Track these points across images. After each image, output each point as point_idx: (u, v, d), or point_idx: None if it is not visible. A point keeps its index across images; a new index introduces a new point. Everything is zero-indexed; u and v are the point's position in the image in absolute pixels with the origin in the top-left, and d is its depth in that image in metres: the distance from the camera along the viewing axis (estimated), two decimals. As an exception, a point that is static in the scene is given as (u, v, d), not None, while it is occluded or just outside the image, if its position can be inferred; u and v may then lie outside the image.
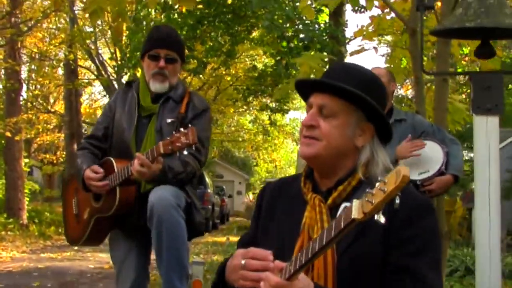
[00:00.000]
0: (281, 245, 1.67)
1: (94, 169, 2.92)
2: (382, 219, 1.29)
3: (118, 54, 21.74)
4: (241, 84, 20.67)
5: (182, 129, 2.61)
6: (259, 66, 20.24)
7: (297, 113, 41.40)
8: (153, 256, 3.01)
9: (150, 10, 15.72)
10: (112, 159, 2.95)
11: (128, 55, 17.37)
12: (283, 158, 38.71)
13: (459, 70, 9.83)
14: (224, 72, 21.04)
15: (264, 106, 22.03)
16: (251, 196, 38.01)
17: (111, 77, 23.05)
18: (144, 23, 16.12)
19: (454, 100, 4.73)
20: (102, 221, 2.99)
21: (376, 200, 1.27)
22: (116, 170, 2.87)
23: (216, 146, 31.91)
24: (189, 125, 2.66)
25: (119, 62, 20.66)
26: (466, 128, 10.18)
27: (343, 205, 1.53)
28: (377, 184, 1.29)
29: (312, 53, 12.64)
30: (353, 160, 1.67)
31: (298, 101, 34.86)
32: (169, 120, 2.93)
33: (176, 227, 2.74)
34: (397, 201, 1.28)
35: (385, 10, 5.00)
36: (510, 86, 21.13)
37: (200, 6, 14.60)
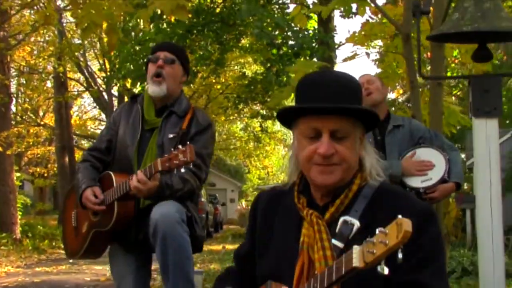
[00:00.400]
0: (279, 264, 1.64)
1: (95, 191, 2.90)
2: (385, 271, 1.28)
3: (107, 66, 21.74)
4: (231, 92, 20.70)
5: (180, 147, 2.59)
6: (249, 73, 20.26)
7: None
8: (155, 271, 3.00)
9: (138, 20, 15.75)
10: (111, 173, 2.94)
11: (117, 66, 17.37)
12: (275, 164, 38.72)
13: (449, 74, 9.92)
14: (214, 81, 21.06)
15: (255, 113, 22.06)
16: (244, 203, 37.97)
17: (100, 89, 23.04)
18: (133, 34, 16.15)
19: (448, 103, 4.76)
20: (100, 235, 2.97)
21: (378, 252, 1.26)
22: (115, 184, 2.86)
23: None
24: (188, 143, 2.64)
25: (109, 73, 20.66)
26: (458, 130, 10.23)
27: (341, 219, 1.55)
28: (377, 231, 1.28)
29: (302, 59, 12.70)
30: (354, 172, 1.64)
31: (288, 107, 34.90)
32: (170, 136, 2.91)
33: (181, 242, 2.73)
34: (400, 256, 1.27)
35: (378, 16, 5.03)
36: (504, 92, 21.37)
37: (189, 15, 14.64)
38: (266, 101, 18.88)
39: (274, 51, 14.71)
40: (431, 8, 4.36)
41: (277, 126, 36.46)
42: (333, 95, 1.57)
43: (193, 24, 14.98)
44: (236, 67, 22.69)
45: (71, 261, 10.25)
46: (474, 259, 8.64)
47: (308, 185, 1.69)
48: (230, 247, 13.41)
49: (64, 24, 18.55)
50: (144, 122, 3.02)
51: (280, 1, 16.23)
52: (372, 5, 4.41)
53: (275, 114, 20.56)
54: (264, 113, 20.85)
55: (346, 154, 1.58)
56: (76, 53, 19.26)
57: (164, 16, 14.43)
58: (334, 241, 1.55)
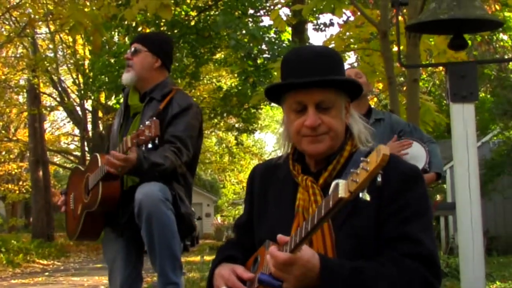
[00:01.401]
0: (276, 228, 1.70)
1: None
2: (367, 197, 1.37)
3: (81, 79, 21.64)
4: (207, 105, 20.76)
5: (147, 122, 2.64)
6: (224, 86, 20.37)
7: (262, 134, 41.68)
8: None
9: (113, 33, 15.75)
10: (97, 154, 2.99)
11: (91, 79, 17.30)
12: (250, 179, 38.67)
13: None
14: (189, 94, 21.12)
15: (231, 126, 22.14)
16: (219, 218, 37.83)
17: (74, 103, 22.89)
18: (107, 46, 16.14)
19: (424, 100, 4.92)
20: (92, 217, 2.99)
21: (360, 179, 1.35)
22: (100, 164, 2.90)
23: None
24: (154, 118, 2.67)
25: (82, 87, 20.55)
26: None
27: (334, 183, 1.58)
28: (360, 164, 1.37)
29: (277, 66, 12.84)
30: (342, 139, 1.73)
31: (263, 121, 35.13)
32: (147, 121, 2.90)
33: (166, 220, 2.76)
34: (379, 179, 1.36)
35: (357, 14, 5.18)
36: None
37: (164, 28, 14.70)
38: (241, 114, 19.03)
39: (250, 62, 14.84)
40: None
41: (252, 140, 36.66)
42: (315, 69, 1.66)
43: (168, 36, 15.04)
44: (212, 80, 22.78)
45: (47, 273, 10.13)
46: (450, 262, 8.83)
47: (302, 154, 1.78)
48: (208, 258, 13.37)
49: (36, 38, 18.43)
50: (129, 108, 3.12)
51: (255, 13, 16.42)
52: (348, 4, 4.56)
53: (250, 127, 20.78)
54: (240, 126, 20.97)
55: (332, 123, 1.68)
56: (50, 68, 19.13)
57: (140, 28, 14.52)
58: None
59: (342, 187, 1.37)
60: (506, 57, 18.01)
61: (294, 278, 1.51)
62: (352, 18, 6.34)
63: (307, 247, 1.55)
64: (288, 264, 1.50)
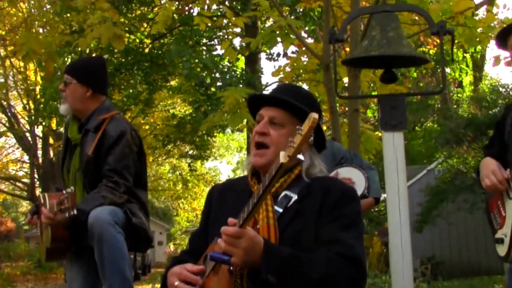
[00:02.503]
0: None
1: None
2: (301, 157, 1.62)
3: (31, 105, 21.33)
4: (160, 132, 20.77)
5: (64, 192, 2.75)
6: (178, 114, 20.47)
7: (216, 162, 41.69)
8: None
9: (66, 59, 15.70)
10: (45, 194, 3.06)
11: (42, 105, 17.12)
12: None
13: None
14: (142, 121, 21.08)
15: (184, 153, 22.18)
16: (172, 246, 37.42)
17: (24, 129, 22.49)
18: (59, 73, 16.05)
19: (365, 128, 5.22)
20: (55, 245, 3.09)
21: (296, 142, 1.60)
22: (48, 206, 2.97)
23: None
24: (71, 188, 2.77)
25: (33, 113, 20.27)
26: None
27: (283, 193, 1.93)
28: (297, 133, 1.62)
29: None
30: (292, 162, 1.97)
31: (217, 150, 35.24)
32: (89, 153, 3.07)
33: (115, 242, 2.91)
34: (311, 139, 1.62)
35: (302, 48, 5.46)
36: (417, 128, 22.68)
37: (117, 54, 14.79)
38: (195, 141, 19.14)
39: (202, 91, 15.05)
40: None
41: (206, 167, 36.63)
42: (283, 94, 2.02)
43: (122, 62, 15.11)
44: (165, 108, 22.83)
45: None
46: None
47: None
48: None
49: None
50: (69, 140, 3.24)
51: (209, 43, 16.69)
52: (294, 37, 4.84)
53: (203, 154, 20.87)
54: (193, 153, 21.04)
55: (277, 138, 1.97)
56: (-1, 93, 18.83)
57: (94, 55, 14.54)
58: (276, 207, 1.91)
59: (282, 155, 1.60)
60: (451, 88, 18.90)
61: (242, 251, 1.72)
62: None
63: (250, 228, 1.77)
64: (236, 237, 1.71)
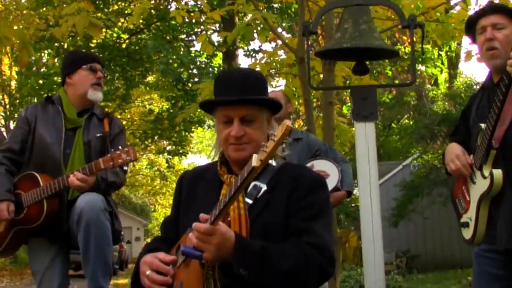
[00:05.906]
0: (200, 220, 1.91)
1: (10, 208, 3.07)
2: (273, 163, 1.70)
3: (7, 100, 21.08)
4: (137, 128, 20.69)
5: (121, 147, 2.94)
6: (155, 109, 20.40)
7: (196, 157, 41.60)
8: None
9: (42, 54, 15.54)
10: (35, 174, 3.10)
11: (18, 100, 16.94)
12: (181, 202, 38.37)
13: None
14: (119, 116, 20.98)
15: (162, 149, 22.11)
16: (149, 242, 37.26)
17: (-1, 125, 22.22)
18: (35, 68, 15.87)
19: (339, 121, 5.30)
20: (22, 233, 3.12)
21: (269, 148, 1.64)
22: (42, 184, 3.04)
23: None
24: (127, 144, 3.04)
25: (8, 108, 20.05)
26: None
27: (252, 184, 1.94)
28: (270, 138, 1.65)
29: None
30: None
31: (196, 145, 35.16)
32: (98, 135, 3.21)
33: (104, 228, 2.98)
34: (286, 152, 1.70)
35: (277, 41, 5.52)
36: (393, 124, 22.94)
37: (94, 50, 14.68)
38: (173, 137, 19.09)
39: (179, 86, 15.02)
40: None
41: (184, 163, 36.54)
42: (241, 88, 1.98)
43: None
44: (144, 103, 22.74)
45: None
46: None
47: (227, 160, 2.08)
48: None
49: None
50: (66, 121, 3.22)
51: (186, 39, 16.66)
52: (271, 32, 4.90)
53: (181, 150, 20.82)
54: (171, 149, 20.98)
55: (253, 134, 1.99)
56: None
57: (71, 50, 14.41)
58: (246, 199, 1.95)
59: (254, 158, 1.64)
60: (426, 86, 19.17)
61: (213, 247, 1.76)
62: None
63: (222, 223, 1.81)
64: (208, 234, 1.75)
